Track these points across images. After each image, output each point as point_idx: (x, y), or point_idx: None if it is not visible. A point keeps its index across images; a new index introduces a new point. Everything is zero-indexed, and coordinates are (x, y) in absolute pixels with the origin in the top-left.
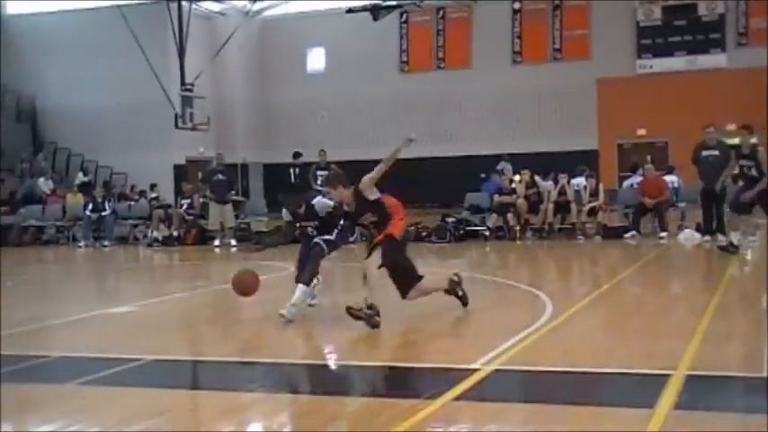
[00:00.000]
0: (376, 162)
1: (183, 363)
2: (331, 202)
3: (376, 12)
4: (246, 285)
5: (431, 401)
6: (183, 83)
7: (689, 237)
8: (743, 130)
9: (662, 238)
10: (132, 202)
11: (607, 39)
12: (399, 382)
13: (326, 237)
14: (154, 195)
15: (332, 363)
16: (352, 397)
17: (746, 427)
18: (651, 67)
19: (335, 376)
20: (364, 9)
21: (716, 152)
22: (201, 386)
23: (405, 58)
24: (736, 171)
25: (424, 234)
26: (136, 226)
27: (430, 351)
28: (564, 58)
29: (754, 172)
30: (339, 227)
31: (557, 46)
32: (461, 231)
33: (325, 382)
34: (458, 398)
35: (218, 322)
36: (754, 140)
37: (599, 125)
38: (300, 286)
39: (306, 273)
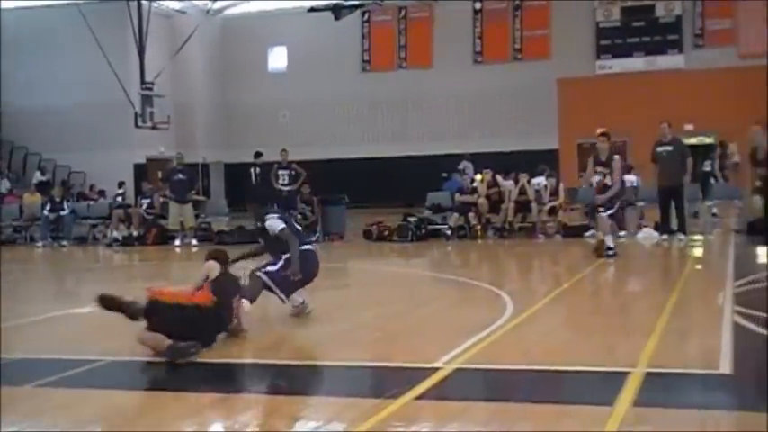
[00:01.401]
0: (337, 162)
1: (144, 364)
2: (281, 225)
3: (338, 11)
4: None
5: (393, 401)
6: (143, 81)
7: (647, 236)
8: (601, 137)
9: (620, 236)
10: (91, 202)
11: (567, 39)
12: (361, 382)
13: (269, 268)
14: (120, 192)
15: (294, 363)
16: (314, 396)
17: (704, 422)
18: (611, 67)
19: (297, 376)
20: (326, 8)
21: (670, 148)
22: (162, 387)
23: (366, 58)
24: (598, 178)
25: (387, 233)
26: (95, 226)
27: (392, 350)
28: (525, 59)
29: (608, 180)
30: (284, 258)
31: (517, 46)
32: (423, 231)
33: (287, 382)
34: (420, 397)
35: None
36: (606, 146)
37: (559, 125)
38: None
39: (246, 293)
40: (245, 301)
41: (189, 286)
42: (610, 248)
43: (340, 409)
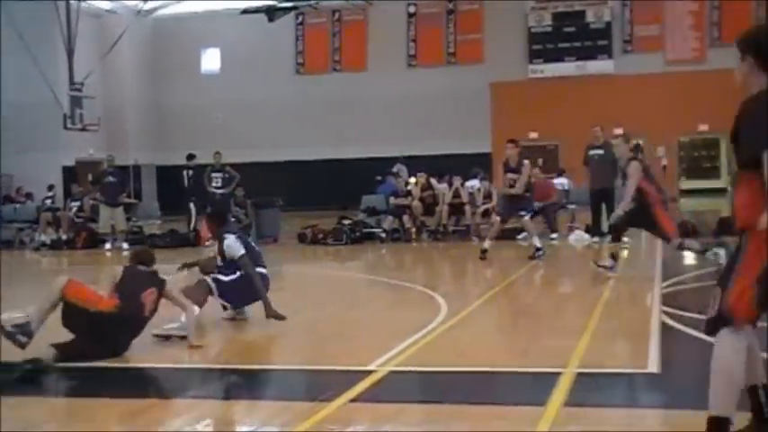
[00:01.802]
0: (271, 164)
1: (72, 369)
2: (241, 251)
3: (271, 13)
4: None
5: (327, 404)
6: (71, 82)
7: (579, 238)
8: (509, 144)
9: (553, 239)
10: (18, 205)
11: (500, 44)
12: (296, 385)
13: (220, 277)
14: (50, 194)
15: (226, 367)
16: (247, 401)
17: (632, 420)
18: (542, 72)
19: (230, 380)
20: (259, 10)
21: (601, 151)
22: (91, 393)
23: (301, 60)
24: (507, 185)
25: (321, 236)
26: (22, 229)
27: (326, 353)
28: (458, 62)
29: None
30: (239, 274)
31: (451, 50)
32: (358, 233)
33: (219, 386)
34: (354, 399)
35: None
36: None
37: (492, 128)
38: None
39: (193, 297)
40: (195, 307)
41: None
42: (539, 249)
43: (273, 412)
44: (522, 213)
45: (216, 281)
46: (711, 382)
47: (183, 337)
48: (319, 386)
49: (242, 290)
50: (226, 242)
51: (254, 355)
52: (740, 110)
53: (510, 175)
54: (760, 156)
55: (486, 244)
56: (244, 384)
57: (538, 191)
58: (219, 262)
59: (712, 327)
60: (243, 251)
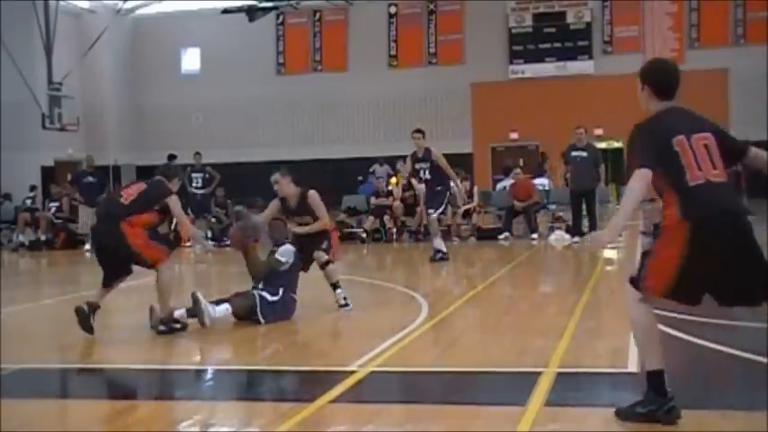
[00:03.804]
0: (252, 165)
1: (51, 371)
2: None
3: (252, 13)
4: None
5: (308, 404)
6: (50, 82)
7: (559, 238)
8: (415, 134)
9: (533, 239)
10: None
11: (480, 44)
12: (277, 386)
13: (267, 296)
14: (31, 195)
15: (208, 367)
16: (227, 401)
17: (610, 420)
18: (523, 72)
19: (211, 381)
20: (240, 10)
21: (584, 153)
22: (71, 395)
23: (281, 60)
24: (404, 180)
25: None
26: (0, 230)
27: (307, 354)
28: (439, 63)
29: (428, 175)
30: (281, 295)
31: (432, 50)
32: (339, 234)
33: (202, 386)
34: (335, 400)
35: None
36: (426, 145)
37: (473, 129)
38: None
39: (235, 302)
40: (224, 306)
41: None
42: (439, 251)
43: (254, 413)
44: (430, 211)
45: (261, 298)
46: (638, 347)
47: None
48: (300, 387)
49: (280, 311)
50: (283, 248)
51: (234, 356)
52: (630, 133)
53: (419, 165)
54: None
55: (439, 244)
56: (223, 385)
57: (519, 191)
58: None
59: (633, 285)
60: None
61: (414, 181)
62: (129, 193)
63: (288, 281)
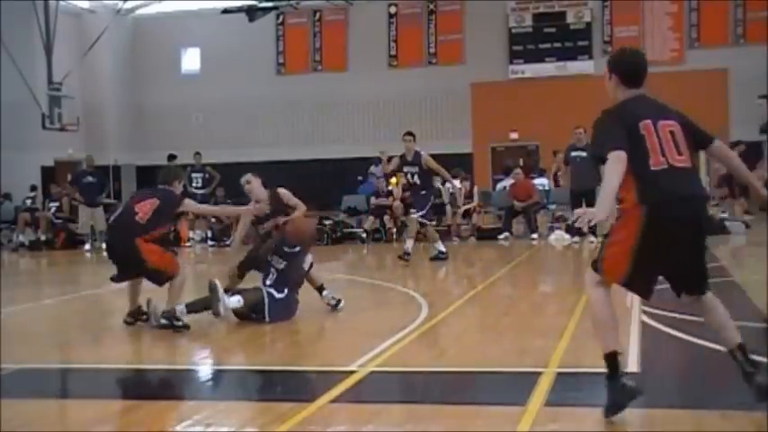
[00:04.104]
0: (252, 165)
1: (52, 371)
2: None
3: (252, 13)
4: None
5: (308, 404)
6: (50, 82)
7: (559, 238)
8: (407, 137)
9: (533, 239)
10: None
11: (480, 44)
12: (277, 385)
13: (274, 293)
14: (31, 195)
15: (207, 368)
16: (227, 402)
17: (611, 420)
18: (523, 72)
19: (211, 381)
20: (240, 10)
21: (584, 153)
22: (71, 395)
23: (281, 60)
24: (403, 180)
25: None
26: (0, 230)
27: (306, 354)
28: (439, 63)
29: (417, 179)
30: (286, 293)
31: (432, 50)
32: (338, 234)
33: (201, 387)
34: (335, 400)
35: (88, 329)
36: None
37: (473, 129)
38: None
39: (244, 296)
40: (236, 298)
41: None
42: (407, 254)
43: (254, 413)
44: (412, 211)
45: (269, 295)
46: (594, 329)
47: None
48: (300, 387)
49: (284, 310)
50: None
51: (234, 356)
52: (596, 119)
53: (407, 168)
54: (605, 157)
55: (409, 247)
56: (223, 385)
57: (519, 191)
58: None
59: (594, 268)
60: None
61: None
62: (144, 210)
63: (294, 281)
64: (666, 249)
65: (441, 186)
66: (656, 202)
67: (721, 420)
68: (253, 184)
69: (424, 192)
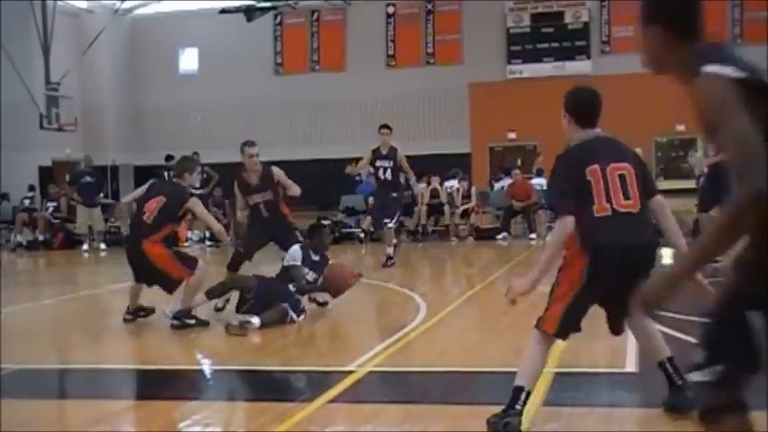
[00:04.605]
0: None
1: (50, 371)
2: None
3: (250, 13)
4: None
5: (306, 404)
6: (48, 82)
7: None
8: (385, 129)
9: (532, 239)
10: None
11: (478, 44)
12: (275, 386)
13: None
14: (30, 195)
15: (207, 368)
16: (226, 402)
17: (609, 420)
18: (521, 72)
19: (210, 381)
20: (238, 10)
21: None
22: (69, 395)
23: (279, 60)
24: (374, 173)
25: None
26: None
27: (305, 354)
28: (437, 63)
29: (389, 175)
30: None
31: (430, 50)
32: (337, 234)
33: (200, 387)
34: (333, 400)
35: (87, 329)
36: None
37: (471, 129)
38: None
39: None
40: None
41: None
42: (390, 258)
43: (253, 413)
44: (386, 221)
45: (292, 306)
46: (522, 363)
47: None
48: (298, 387)
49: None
50: (290, 251)
51: (232, 357)
52: (553, 165)
53: (380, 163)
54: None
55: (390, 251)
56: (222, 385)
57: (518, 191)
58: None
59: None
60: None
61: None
62: (150, 209)
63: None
64: (606, 292)
65: (438, 186)
66: (597, 249)
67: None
68: (256, 157)
69: (395, 194)
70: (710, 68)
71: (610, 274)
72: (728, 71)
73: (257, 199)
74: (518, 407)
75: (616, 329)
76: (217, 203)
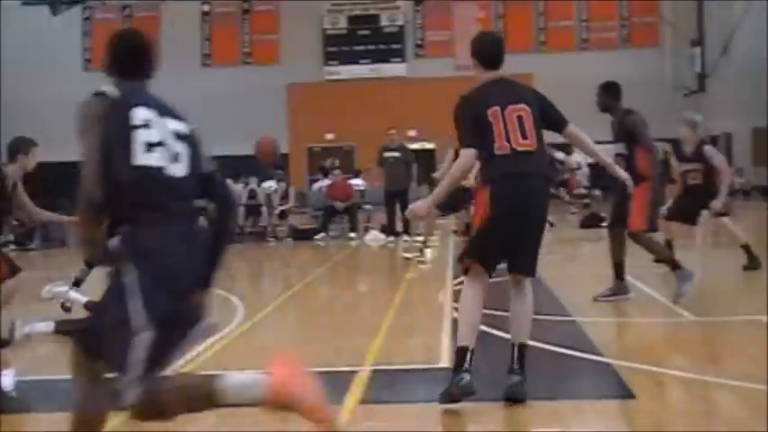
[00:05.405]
0: (48, 165)
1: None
2: None
3: (55, 6)
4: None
5: (116, 413)
6: None
7: (374, 238)
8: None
9: (351, 239)
10: None
11: (296, 45)
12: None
13: None
14: None
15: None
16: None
17: (424, 414)
18: (338, 73)
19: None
20: (42, 2)
21: (397, 154)
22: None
23: (89, 57)
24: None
25: None
26: None
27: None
28: (254, 63)
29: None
30: None
31: (247, 50)
32: None
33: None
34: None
35: None
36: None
37: (289, 129)
38: None
39: None
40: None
41: None
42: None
43: (50, 424)
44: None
45: None
46: (459, 321)
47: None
48: (108, 395)
49: None
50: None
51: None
52: (455, 105)
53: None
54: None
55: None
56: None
57: (340, 191)
58: None
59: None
60: None
61: (229, 181)
62: None
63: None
64: (507, 224)
65: (256, 187)
66: (495, 181)
67: (524, 411)
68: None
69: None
70: None
71: (510, 201)
72: None
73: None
74: (467, 366)
75: (518, 269)
76: None
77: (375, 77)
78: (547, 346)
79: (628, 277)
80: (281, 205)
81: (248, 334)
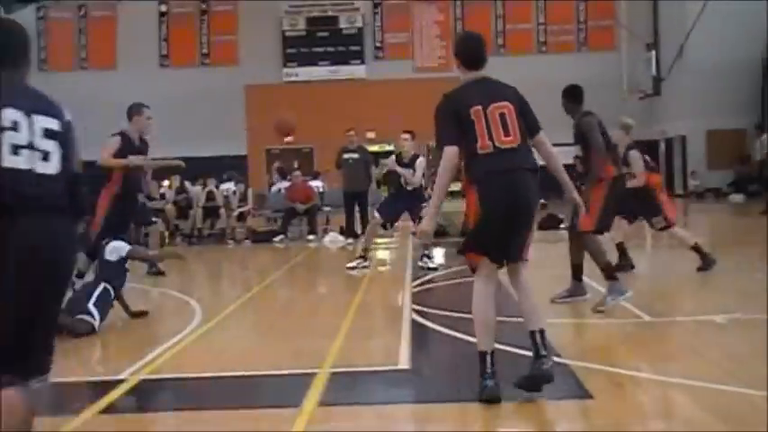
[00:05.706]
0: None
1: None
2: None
3: (8, 4)
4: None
5: (74, 416)
6: None
7: (334, 239)
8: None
9: (310, 241)
10: None
11: (255, 46)
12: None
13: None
14: None
15: None
16: None
17: (382, 416)
18: (297, 75)
19: None
20: None
21: (356, 155)
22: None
23: (43, 56)
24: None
25: None
26: None
27: (72, 364)
28: (212, 64)
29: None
30: None
31: (205, 51)
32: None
33: None
34: (104, 411)
35: None
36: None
37: (248, 131)
38: None
39: None
40: None
41: None
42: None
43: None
44: (154, 220)
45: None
46: (474, 324)
47: None
48: (66, 398)
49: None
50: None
51: None
52: (437, 105)
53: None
54: (442, 150)
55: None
56: None
57: (300, 193)
58: None
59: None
60: None
61: (187, 183)
62: None
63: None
64: (500, 221)
65: (214, 189)
66: (480, 180)
67: (484, 411)
68: None
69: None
70: None
71: (498, 199)
72: None
73: None
74: (488, 371)
75: (516, 257)
76: None
77: (334, 79)
78: (506, 348)
79: (585, 278)
80: (239, 207)
81: (206, 336)
